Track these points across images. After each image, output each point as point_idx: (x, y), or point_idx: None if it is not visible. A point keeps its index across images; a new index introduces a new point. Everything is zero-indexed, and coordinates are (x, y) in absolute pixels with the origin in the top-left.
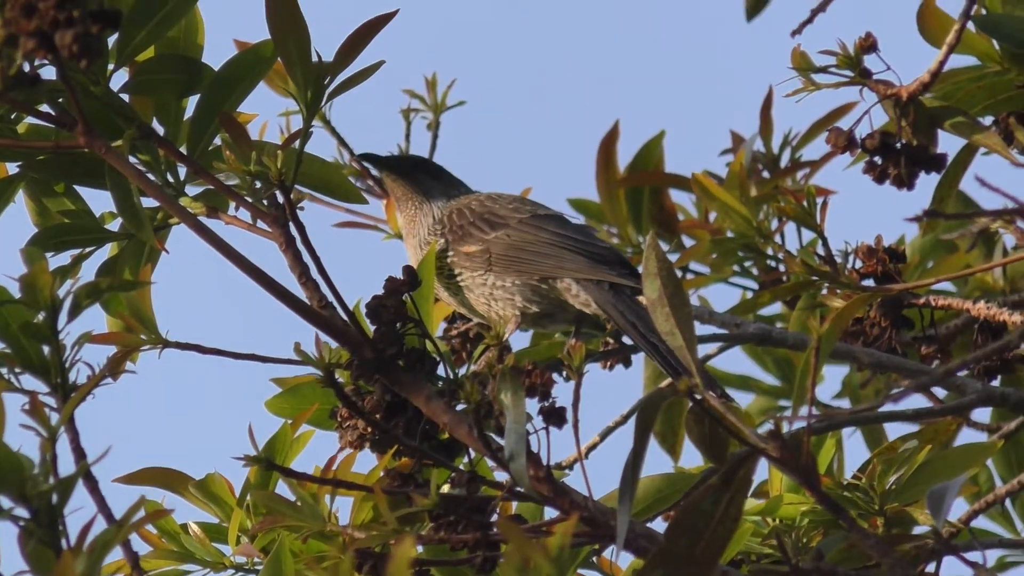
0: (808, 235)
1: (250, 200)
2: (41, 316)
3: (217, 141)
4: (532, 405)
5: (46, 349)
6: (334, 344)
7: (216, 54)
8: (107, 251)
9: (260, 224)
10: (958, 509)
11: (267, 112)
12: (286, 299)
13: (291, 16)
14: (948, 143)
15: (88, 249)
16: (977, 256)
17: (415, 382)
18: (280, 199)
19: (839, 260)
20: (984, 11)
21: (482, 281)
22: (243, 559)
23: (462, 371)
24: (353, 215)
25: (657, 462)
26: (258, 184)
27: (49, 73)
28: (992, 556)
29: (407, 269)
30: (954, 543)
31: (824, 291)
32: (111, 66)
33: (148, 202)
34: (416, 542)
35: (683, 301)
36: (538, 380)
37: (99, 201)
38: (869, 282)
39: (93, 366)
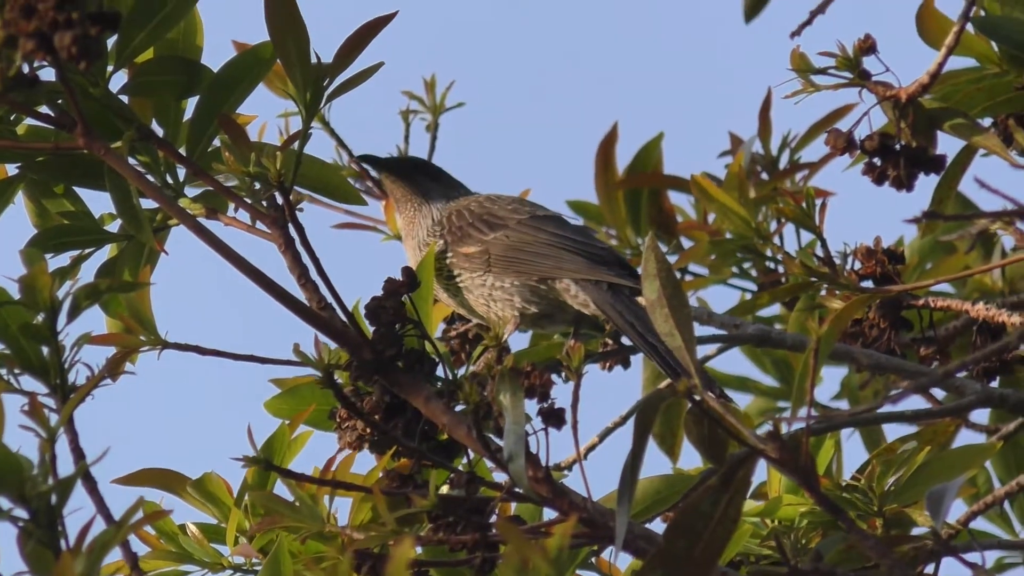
0: (807, 236)
1: (249, 201)
2: (40, 317)
3: (216, 142)
4: (531, 406)
5: (45, 350)
6: (333, 345)
7: (215, 55)
8: (106, 252)
9: (259, 225)
10: (957, 510)
11: (266, 113)
12: (285, 300)
13: (290, 17)
14: (947, 144)
15: (87, 250)
16: (976, 257)
17: (414, 383)
18: (279, 200)
19: (838, 261)
20: (983, 13)
21: (481, 282)
22: (241, 560)
23: (461, 372)
24: (352, 216)
25: (656, 463)
26: (257, 185)
27: (48, 74)
28: (991, 557)
29: (406, 270)
30: (953, 544)
31: (823, 292)
32: (110, 67)
33: (147, 203)
34: (415, 543)
35: (682, 302)
36: (537, 381)
37: (98, 202)
38: (868, 283)
39: (92, 367)
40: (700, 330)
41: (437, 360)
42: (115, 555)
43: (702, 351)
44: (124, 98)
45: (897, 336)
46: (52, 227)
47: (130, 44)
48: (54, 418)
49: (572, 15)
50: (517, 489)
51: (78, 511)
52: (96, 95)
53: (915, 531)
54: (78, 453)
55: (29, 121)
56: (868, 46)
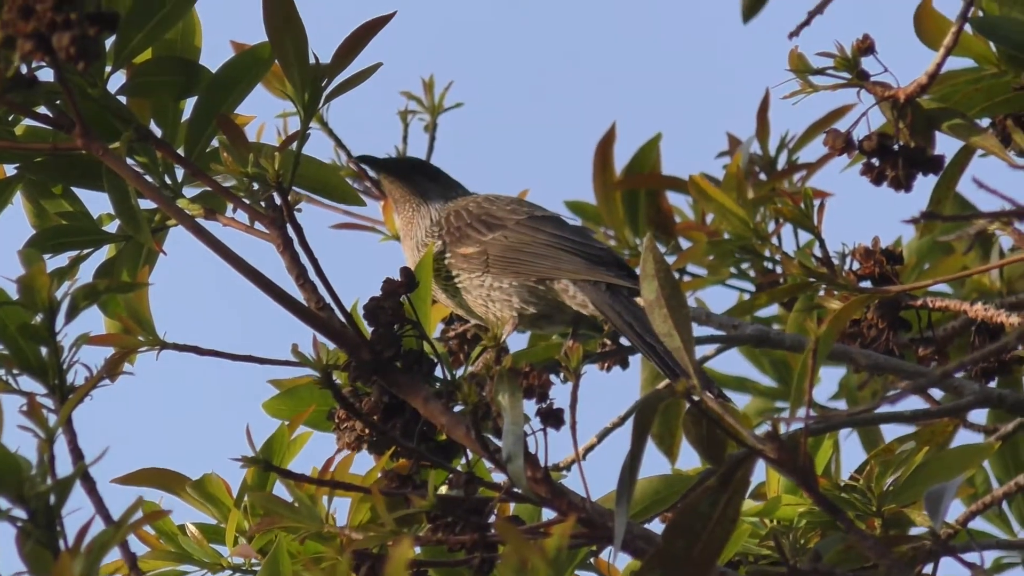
0: (805, 237)
1: (248, 202)
2: (39, 318)
3: (215, 143)
4: (530, 406)
5: (44, 350)
6: (332, 346)
7: (213, 56)
8: (105, 253)
9: (257, 226)
10: (955, 510)
11: (264, 114)
12: (283, 301)
13: (288, 18)
14: (945, 145)
15: (86, 251)
16: (974, 258)
17: (413, 383)
18: (277, 201)
19: (836, 262)
20: (981, 13)
21: (479, 282)
22: (241, 560)
23: (460, 373)
24: (350, 217)
25: (654, 463)
26: (255, 186)
27: (47, 75)
28: (989, 557)
29: (404, 271)
30: (951, 544)
31: (821, 293)
32: (108, 68)
33: (146, 204)
34: (414, 543)
35: (681, 303)
36: (536, 381)
37: (97, 203)
38: (866, 284)
39: (91, 367)
40: (698, 331)
41: (436, 361)
42: (114, 555)
43: (700, 351)
44: (122, 99)
45: (895, 336)
46: (50, 227)
47: (128, 45)
48: (53, 418)
49: (570, 16)
50: (516, 489)
51: (77, 511)
52: (94, 96)
53: (913, 531)
54: (77, 453)
55: (27, 122)
56: (866, 46)
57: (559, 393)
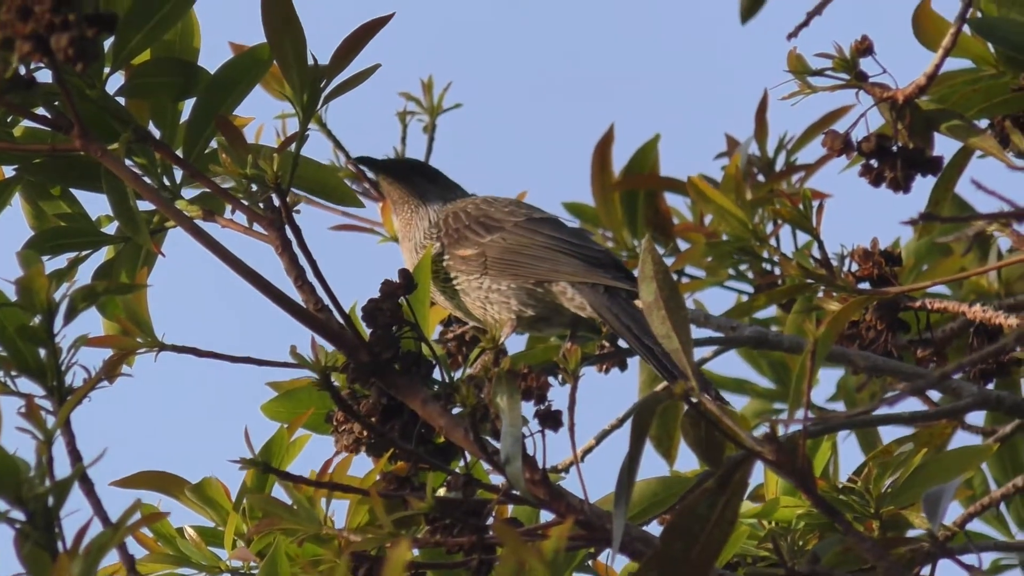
0: (804, 238)
1: (246, 203)
2: (37, 319)
3: (213, 144)
4: (528, 408)
5: (42, 352)
6: (330, 347)
7: (212, 57)
8: (103, 254)
9: (256, 227)
10: (953, 512)
11: (263, 115)
12: (282, 302)
13: (287, 19)
14: (944, 146)
15: (84, 252)
16: (973, 259)
17: (411, 385)
18: (276, 202)
19: (835, 263)
20: (980, 14)
21: (478, 285)
22: (239, 563)
23: (458, 374)
24: (349, 218)
25: (653, 466)
26: (254, 187)
27: (45, 76)
28: (987, 559)
29: (403, 272)
30: (949, 546)
31: (820, 294)
32: (107, 69)
33: (144, 205)
34: (412, 545)
35: (679, 304)
36: (534, 383)
37: (95, 204)
38: (865, 285)
39: (89, 369)
40: (697, 332)
41: (434, 362)
42: (113, 558)
43: (699, 353)
44: (121, 100)
45: (894, 338)
46: (49, 229)
47: (127, 46)
48: (51, 420)
49: (568, 17)
50: (514, 491)
51: (75, 513)
52: (93, 97)
53: (911, 533)
54: (75, 455)
55: (26, 123)
56: (865, 48)
57: (557, 395)
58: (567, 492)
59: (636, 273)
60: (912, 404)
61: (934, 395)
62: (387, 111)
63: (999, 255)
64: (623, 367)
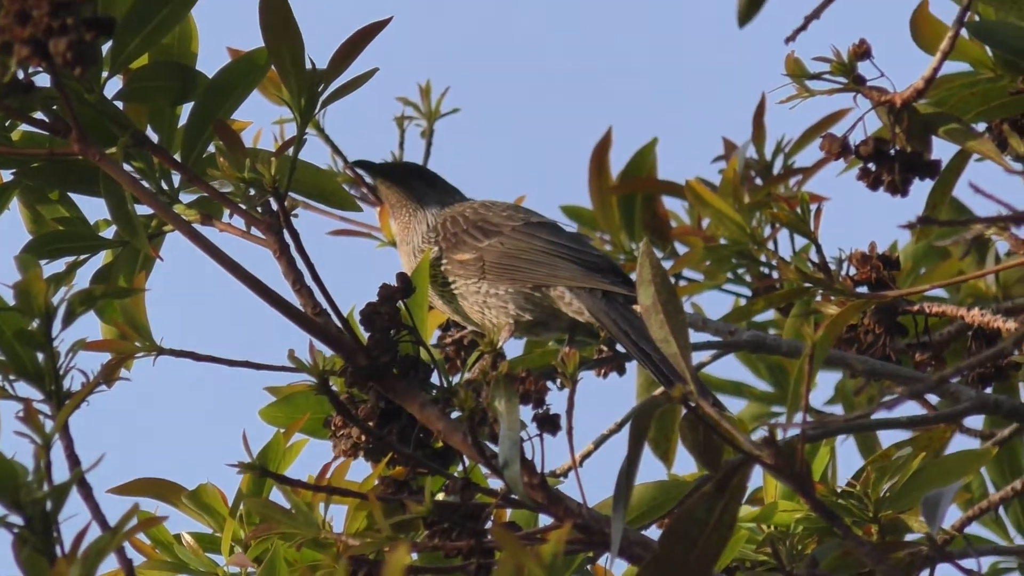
0: (801, 242)
1: (244, 207)
2: (35, 323)
3: (211, 148)
4: (526, 412)
5: (40, 356)
6: (328, 351)
7: (210, 61)
8: (101, 258)
9: (254, 231)
10: (952, 516)
11: (261, 120)
12: (280, 306)
13: (285, 23)
14: (942, 149)
15: (82, 256)
16: (970, 263)
17: (409, 389)
18: (274, 206)
19: (833, 267)
20: (977, 18)
21: (476, 289)
22: (237, 569)
23: (456, 378)
24: (347, 222)
25: (651, 469)
26: (252, 191)
27: (43, 80)
28: (986, 563)
29: (401, 276)
30: (948, 550)
31: (818, 298)
32: (105, 73)
33: (142, 209)
34: (410, 549)
35: (677, 308)
36: (532, 387)
37: (93, 208)
38: (863, 289)
39: (87, 373)
40: (695, 336)
41: (432, 366)
42: (111, 562)
43: (697, 357)
44: (119, 104)
45: (892, 342)
46: (47, 233)
47: (125, 50)
48: (49, 424)
49: (566, 21)
50: (512, 495)
51: (73, 518)
52: (91, 101)
53: (910, 537)
54: (73, 459)
55: (24, 127)
56: (863, 51)
57: (556, 399)
58: (565, 496)
59: (634, 277)
60: (910, 408)
61: (932, 399)
62: (385, 115)
63: (997, 259)
64: (621, 371)
